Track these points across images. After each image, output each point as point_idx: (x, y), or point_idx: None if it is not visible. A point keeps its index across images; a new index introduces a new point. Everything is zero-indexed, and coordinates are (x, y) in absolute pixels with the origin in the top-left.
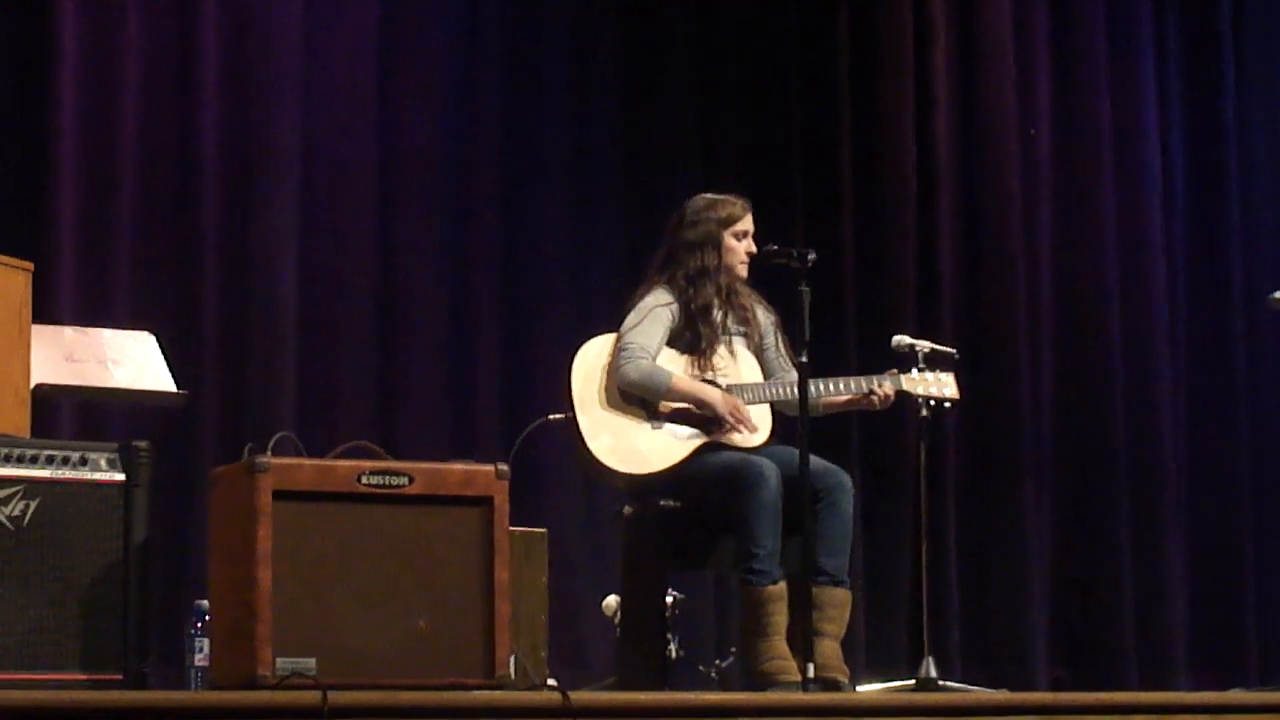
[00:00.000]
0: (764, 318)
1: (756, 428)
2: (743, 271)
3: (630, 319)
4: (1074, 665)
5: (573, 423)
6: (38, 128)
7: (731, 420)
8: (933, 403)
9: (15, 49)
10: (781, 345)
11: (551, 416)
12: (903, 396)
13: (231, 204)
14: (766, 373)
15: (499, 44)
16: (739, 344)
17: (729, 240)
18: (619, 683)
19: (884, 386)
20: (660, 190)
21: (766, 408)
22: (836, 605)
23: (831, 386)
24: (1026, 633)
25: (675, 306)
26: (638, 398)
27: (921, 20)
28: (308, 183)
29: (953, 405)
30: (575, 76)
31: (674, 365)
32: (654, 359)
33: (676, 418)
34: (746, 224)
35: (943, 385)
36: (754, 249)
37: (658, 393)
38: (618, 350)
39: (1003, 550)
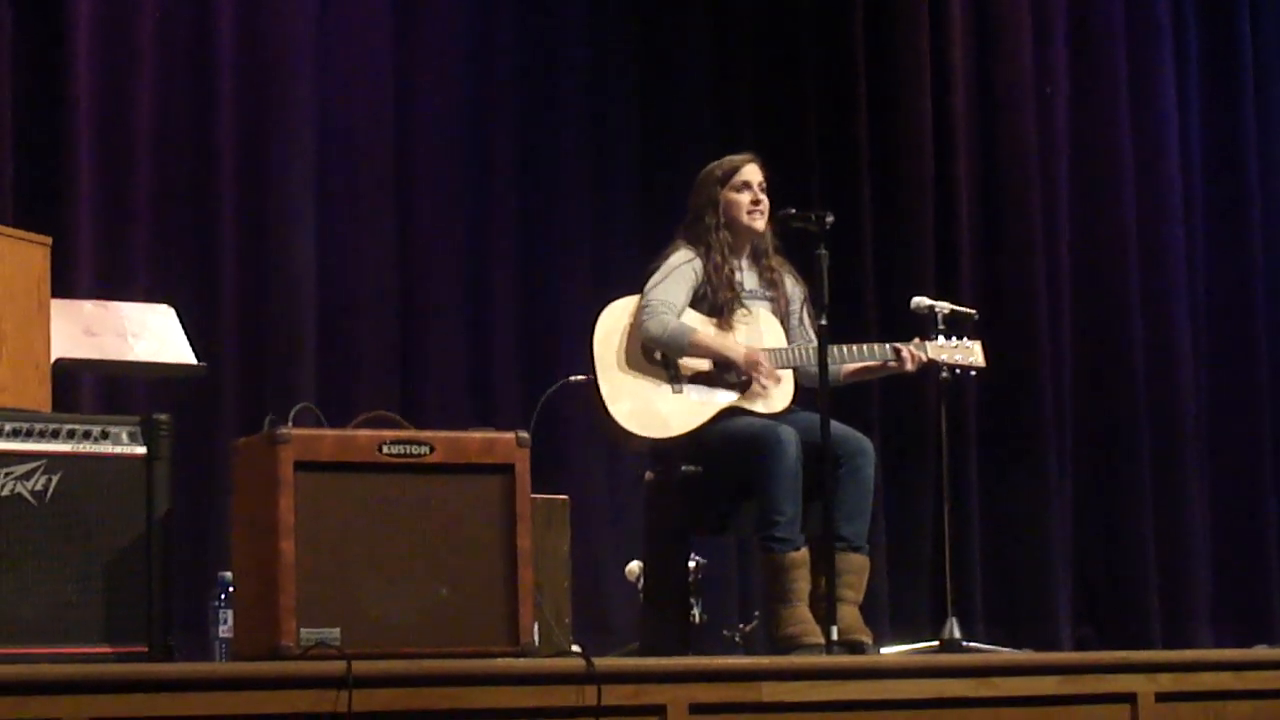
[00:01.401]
0: (792, 287)
1: (779, 379)
2: (751, 221)
3: (655, 278)
4: (1098, 624)
5: (594, 386)
6: (54, 102)
7: (753, 375)
8: (958, 370)
9: (31, 23)
10: (806, 319)
11: (572, 378)
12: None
13: (248, 176)
14: (788, 340)
15: (513, 12)
16: (763, 308)
17: (728, 195)
18: (642, 648)
19: (910, 348)
20: (676, 156)
21: (789, 373)
22: (855, 571)
23: (854, 351)
24: (1050, 592)
25: (698, 263)
26: (660, 360)
27: None
28: (324, 153)
29: (979, 374)
30: (590, 44)
31: (697, 326)
32: (678, 316)
33: (698, 379)
34: (746, 174)
35: (969, 354)
36: (761, 198)
37: (680, 348)
38: (640, 307)
39: (1025, 510)
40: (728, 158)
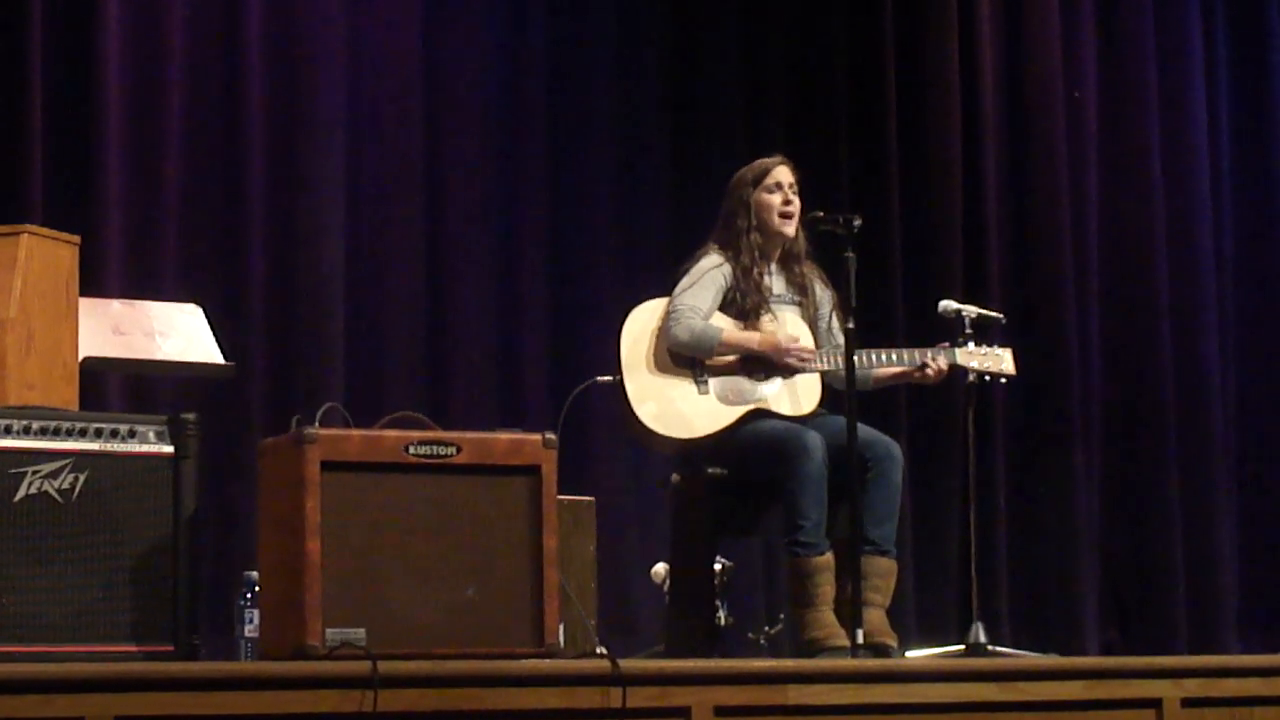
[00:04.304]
0: (822, 292)
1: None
2: (781, 225)
3: (683, 282)
4: (1124, 628)
5: (620, 387)
6: (84, 101)
7: (784, 361)
8: (988, 378)
9: (60, 21)
10: (835, 324)
11: (600, 378)
12: (953, 367)
13: (277, 175)
14: (816, 345)
15: (544, 14)
16: (791, 312)
17: (760, 196)
18: (668, 650)
19: (938, 360)
20: (706, 156)
21: (816, 377)
22: (882, 575)
23: (883, 358)
24: (1076, 596)
25: (727, 268)
26: (686, 362)
27: None
28: (354, 154)
29: (1008, 381)
30: (620, 46)
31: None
32: (705, 321)
33: (725, 381)
34: (778, 176)
35: (999, 360)
36: (793, 199)
37: (709, 349)
38: (668, 313)
39: (1052, 514)
40: (759, 160)
